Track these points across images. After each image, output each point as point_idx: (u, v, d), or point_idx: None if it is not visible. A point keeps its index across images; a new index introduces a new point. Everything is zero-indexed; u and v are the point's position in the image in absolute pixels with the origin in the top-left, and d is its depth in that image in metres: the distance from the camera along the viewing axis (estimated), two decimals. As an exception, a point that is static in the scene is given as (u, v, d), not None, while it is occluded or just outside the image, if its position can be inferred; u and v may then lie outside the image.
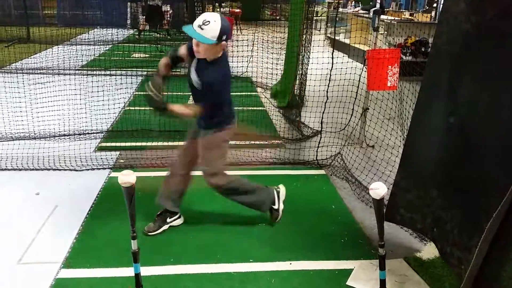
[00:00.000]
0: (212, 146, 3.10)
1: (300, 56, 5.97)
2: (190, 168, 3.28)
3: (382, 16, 10.12)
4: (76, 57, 8.70)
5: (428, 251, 3.07)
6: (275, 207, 3.41)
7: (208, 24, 2.70)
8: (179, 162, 3.31)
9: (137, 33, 13.55)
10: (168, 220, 3.32)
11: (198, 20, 2.74)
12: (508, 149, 2.19)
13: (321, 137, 4.80)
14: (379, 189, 2.02)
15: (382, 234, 2.16)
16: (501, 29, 2.26)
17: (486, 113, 2.37)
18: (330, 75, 4.63)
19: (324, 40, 12.62)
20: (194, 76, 2.92)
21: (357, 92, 4.70)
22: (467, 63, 2.52)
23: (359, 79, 4.64)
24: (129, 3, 14.03)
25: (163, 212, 3.32)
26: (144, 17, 13.74)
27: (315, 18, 15.26)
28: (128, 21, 14.17)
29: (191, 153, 3.21)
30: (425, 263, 2.98)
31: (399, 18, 10.50)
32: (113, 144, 5.01)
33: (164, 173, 4.38)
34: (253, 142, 5.08)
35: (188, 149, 3.26)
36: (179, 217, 3.38)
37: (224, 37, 2.75)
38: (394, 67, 4.36)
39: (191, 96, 3.12)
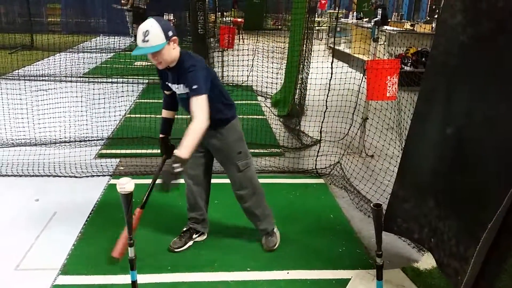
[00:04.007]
0: (235, 136, 3.07)
1: (301, 66, 6.01)
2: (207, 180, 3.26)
3: (384, 27, 10.19)
4: (79, 64, 8.77)
5: (426, 261, 3.06)
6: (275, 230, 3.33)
7: (148, 34, 2.65)
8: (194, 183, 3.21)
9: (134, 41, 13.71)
10: (194, 236, 3.29)
11: (139, 37, 2.67)
12: (504, 159, 2.20)
13: (320, 146, 4.81)
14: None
15: (380, 244, 2.15)
16: (497, 41, 2.28)
17: (482, 124, 2.38)
18: (330, 84, 4.66)
19: (324, 50, 12.68)
20: (180, 88, 2.84)
21: (356, 102, 4.72)
22: (463, 74, 2.54)
23: (359, 89, 4.66)
24: (127, 13, 14.15)
25: (189, 229, 3.29)
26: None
27: (317, 28, 15.42)
28: (131, 30, 14.30)
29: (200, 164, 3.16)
30: (422, 273, 2.98)
31: (400, 29, 10.54)
32: (113, 151, 5.03)
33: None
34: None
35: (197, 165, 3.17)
36: (203, 233, 3.36)
37: (170, 33, 2.71)
38: (393, 78, 4.38)
39: (183, 108, 2.99)
